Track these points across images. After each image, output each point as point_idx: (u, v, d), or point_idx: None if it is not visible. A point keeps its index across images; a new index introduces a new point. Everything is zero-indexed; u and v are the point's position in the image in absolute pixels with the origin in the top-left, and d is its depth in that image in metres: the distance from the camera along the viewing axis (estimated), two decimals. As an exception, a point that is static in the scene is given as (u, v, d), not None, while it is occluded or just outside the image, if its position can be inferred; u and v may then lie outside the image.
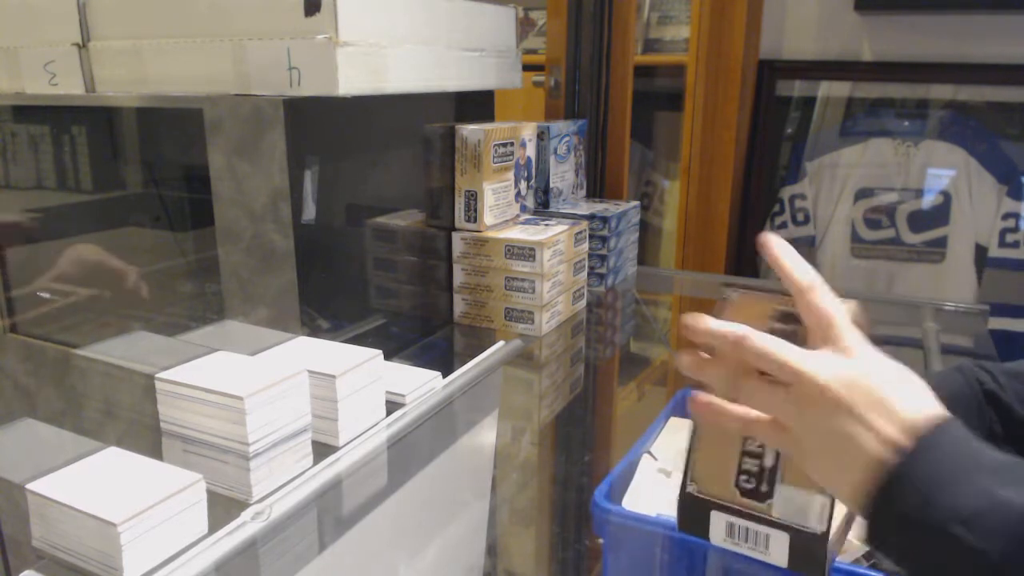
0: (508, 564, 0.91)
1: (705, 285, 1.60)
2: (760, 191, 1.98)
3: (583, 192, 1.41)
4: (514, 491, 0.96)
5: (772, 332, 0.50)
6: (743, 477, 0.54)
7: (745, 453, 0.55)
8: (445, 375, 0.80)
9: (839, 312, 0.48)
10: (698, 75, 1.83)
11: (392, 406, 0.73)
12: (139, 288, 0.90)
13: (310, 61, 0.77)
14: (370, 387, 0.69)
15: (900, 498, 0.42)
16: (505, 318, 1.04)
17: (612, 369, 1.18)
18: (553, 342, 1.06)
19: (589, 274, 1.23)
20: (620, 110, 1.47)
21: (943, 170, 1.80)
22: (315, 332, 0.86)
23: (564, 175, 1.32)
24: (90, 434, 0.62)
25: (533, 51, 2.10)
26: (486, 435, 0.86)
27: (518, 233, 1.04)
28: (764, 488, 0.53)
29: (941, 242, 1.81)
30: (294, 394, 0.61)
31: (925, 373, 0.54)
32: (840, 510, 0.59)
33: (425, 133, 1.03)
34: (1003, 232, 1.75)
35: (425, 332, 1.05)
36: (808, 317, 0.49)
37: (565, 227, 1.07)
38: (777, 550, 0.53)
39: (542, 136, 1.24)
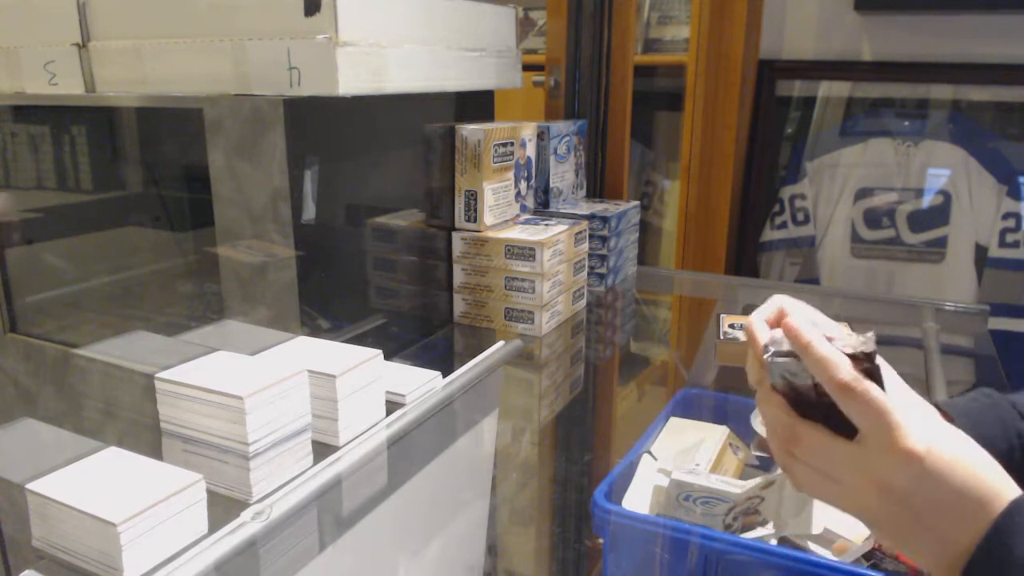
0: (508, 564, 0.91)
1: (705, 285, 1.60)
2: (760, 191, 1.98)
3: (583, 192, 1.41)
4: (514, 491, 0.96)
5: None
6: None
7: None
8: (445, 375, 0.80)
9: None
10: (698, 75, 1.83)
11: (392, 406, 0.73)
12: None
13: (310, 61, 0.77)
14: (370, 387, 0.69)
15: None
16: (505, 318, 1.04)
17: (612, 369, 1.18)
18: (553, 342, 1.06)
19: (589, 274, 1.23)
20: (620, 110, 1.47)
21: (943, 170, 1.80)
22: (315, 332, 0.86)
23: (564, 175, 1.32)
24: (90, 434, 0.62)
25: (533, 51, 2.10)
26: (486, 435, 0.86)
27: (518, 233, 1.03)
28: None
29: (941, 242, 1.81)
30: (294, 394, 0.61)
31: (949, 401, 0.52)
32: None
33: (425, 133, 1.03)
34: (1003, 232, 1.75)
35: (425, 332, 1.05)
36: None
37: (565, 227, 1.07)
38: None
39: (542, 136, 1.24)
